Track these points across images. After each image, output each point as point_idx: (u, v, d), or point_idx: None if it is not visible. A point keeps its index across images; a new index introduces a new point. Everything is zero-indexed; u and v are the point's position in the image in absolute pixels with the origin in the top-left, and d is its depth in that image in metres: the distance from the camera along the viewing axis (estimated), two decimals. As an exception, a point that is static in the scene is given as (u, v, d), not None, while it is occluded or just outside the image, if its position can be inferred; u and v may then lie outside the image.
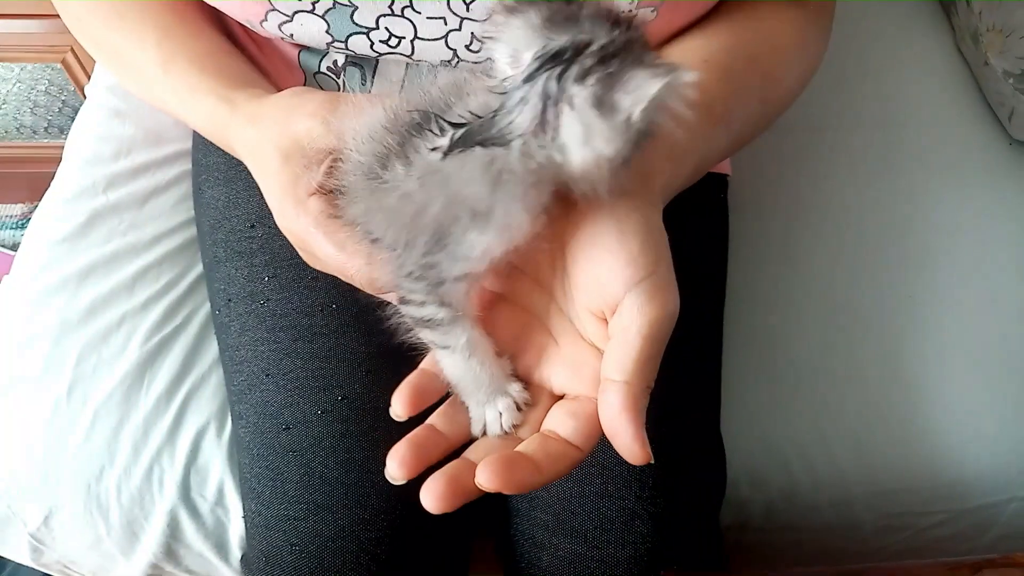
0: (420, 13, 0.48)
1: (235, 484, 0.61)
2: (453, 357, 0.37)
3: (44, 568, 0.70)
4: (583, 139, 0.32)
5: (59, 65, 1.01)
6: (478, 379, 0.37)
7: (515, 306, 0.40)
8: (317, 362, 0.56)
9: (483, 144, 0.33)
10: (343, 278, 0.42)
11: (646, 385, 0.35)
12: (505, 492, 0.34)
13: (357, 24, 0.49)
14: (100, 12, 0.54)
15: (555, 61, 0.32)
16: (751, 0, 0.53)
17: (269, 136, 0.45)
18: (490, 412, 0.38)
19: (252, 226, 0.61)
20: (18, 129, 1.15)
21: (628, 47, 0.32)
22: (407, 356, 0.57)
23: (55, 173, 0.74)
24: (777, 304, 0.73)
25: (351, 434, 0.54)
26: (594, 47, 0.32)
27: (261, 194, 0.63)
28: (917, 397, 0.69)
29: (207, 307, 0.67)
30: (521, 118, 0.33)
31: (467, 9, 0.47)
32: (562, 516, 0.54)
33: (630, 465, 0.52)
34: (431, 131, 0.35)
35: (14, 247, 1.20)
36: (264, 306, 0.58)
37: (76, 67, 1.01)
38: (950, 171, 0.81)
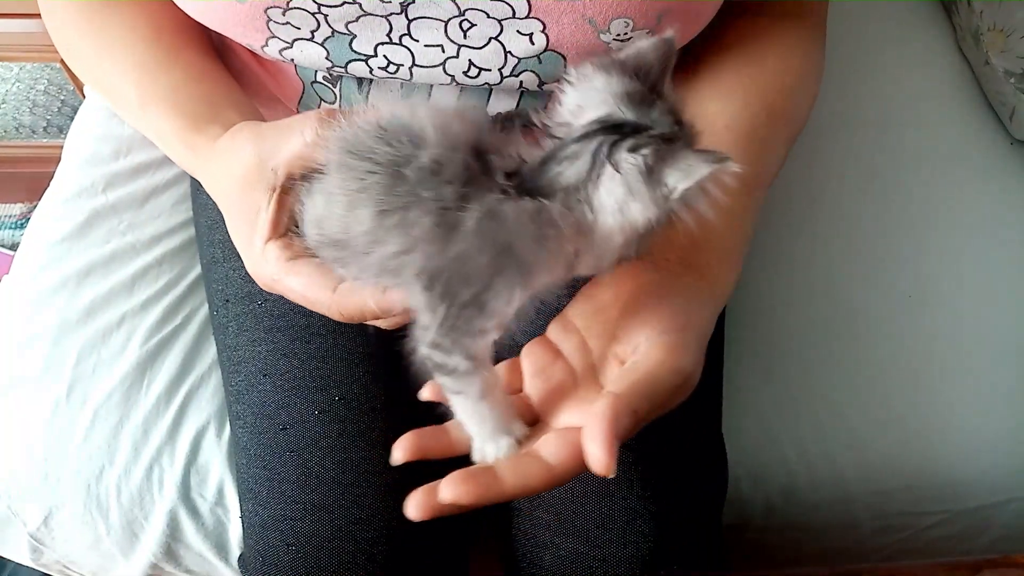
0: (418, 41, 0.48)
1: (235, 484, 0.61)
2: (465, 402, 0.38)
3: (44, 568, 0.69)
4: (620, 204, 0.33)
5: (58, 64, 1.01)
6: (484, 419, 0.38)
7: (546, 343, 0.42)
8: (314, 362, 0.56)
9: (531, 194, 0.34)
10: (317, 311, 0.42)
11: (632, 408, 0.35)
12: (464, 502, 0.35)
13: (356, 52, 0.49)
14: (86, 45, 0.54)
15: (614, 131, 0.33)
16: (749, 28, 0.53)
17: (223, 187, 0.46)
18: (489, 447, 0.39)
19: (250, 226, 0.60)
20: (17, 129, 1.15)
21: (683, 140, 0.34)
22: (404, 356, 0.57)
23: (54, 173, 0.74)
24: (777, 303, 0.73)
25: (348, 434, 0.54)
26: (653, 131, 0.33)
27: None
28: (916, 397, 0.69)
29: (207, 307, 0.67)
30: (570, 172, 0.33)
31: (464, 36, 0.47)
32: (564, 515, 0.54)
33: (632, 465, 0.53)
34: (487, 173, 0.35)
35: (13, 247, 1.20)
36: (261, 306, 0.58)
37: (75, 67, 1.01)
38: (951, 170, 0.81)
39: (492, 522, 0.60)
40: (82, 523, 0.62)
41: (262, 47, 0.50)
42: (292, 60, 0.51)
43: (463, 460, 0.39)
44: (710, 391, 0.62)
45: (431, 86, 0.54)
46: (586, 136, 0.33)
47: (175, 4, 0.49)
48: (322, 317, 0.56)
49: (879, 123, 0.83)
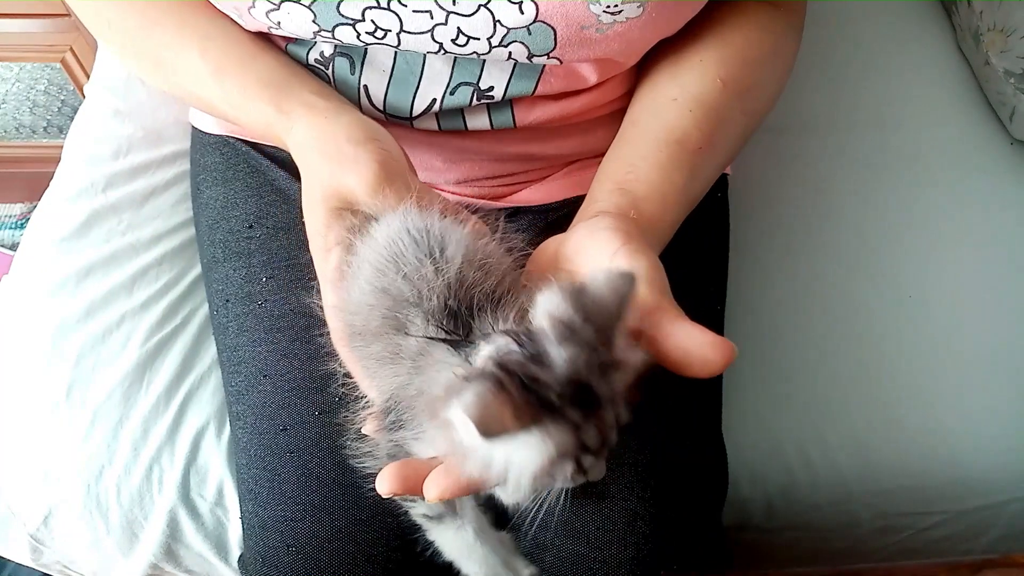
0: (406, 7, 0.48)
1: (235, 484, 0.61)
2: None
3: (44, 568, 0.70)
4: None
5: (58, 64, 1.01)
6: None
7: None
8: (315, 363, 0.56)
9: (456, 349, 0.34)
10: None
11: None
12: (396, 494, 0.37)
13: (343, 15, 0.48)
14: (133, 19, 0.53)
15: (515, 337, 0.32)
16: (724, 10, 0.53)
17: (319, 173, 0.46)
18: None
19: (250, 226, 0.61)
20: (17, 129, 1.15)
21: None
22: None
23: (54, 173, 0.74)
24: (777, 303, 0.73)
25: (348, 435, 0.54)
26: (530, 366, 0.31)
27: (259, 195, 0.63)
28: (917, 397, 0.69)
29: (207, 307, 0.67)
30: (484, 351, 0.33)
31: (453, 3, 0.47)
32: (564, 517, 0.54)
33: (632, 467, 0.53)
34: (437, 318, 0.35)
35: (13, 247, 1.20)
36: (262, 307, 0.58)
37: (75, 66, 1.01)
38: (951, 170, 0.81)
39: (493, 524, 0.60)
40: (82, 523, 0.62)
41: (249, 8, 0.49)
42: (279, 24, 0.50)
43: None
44: (710, 392, 0.62)
45: (424, 56, 0.53)
46: (505, 332, 0.33)
47: None
48: (322, 319, 0.57)
49: (878, 123, 0.83)
